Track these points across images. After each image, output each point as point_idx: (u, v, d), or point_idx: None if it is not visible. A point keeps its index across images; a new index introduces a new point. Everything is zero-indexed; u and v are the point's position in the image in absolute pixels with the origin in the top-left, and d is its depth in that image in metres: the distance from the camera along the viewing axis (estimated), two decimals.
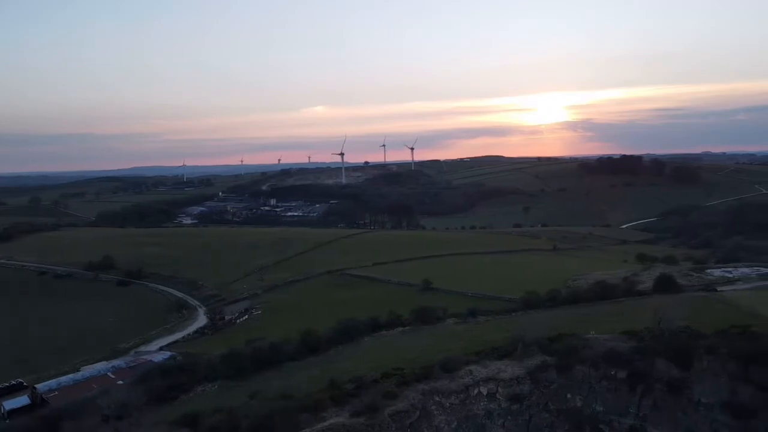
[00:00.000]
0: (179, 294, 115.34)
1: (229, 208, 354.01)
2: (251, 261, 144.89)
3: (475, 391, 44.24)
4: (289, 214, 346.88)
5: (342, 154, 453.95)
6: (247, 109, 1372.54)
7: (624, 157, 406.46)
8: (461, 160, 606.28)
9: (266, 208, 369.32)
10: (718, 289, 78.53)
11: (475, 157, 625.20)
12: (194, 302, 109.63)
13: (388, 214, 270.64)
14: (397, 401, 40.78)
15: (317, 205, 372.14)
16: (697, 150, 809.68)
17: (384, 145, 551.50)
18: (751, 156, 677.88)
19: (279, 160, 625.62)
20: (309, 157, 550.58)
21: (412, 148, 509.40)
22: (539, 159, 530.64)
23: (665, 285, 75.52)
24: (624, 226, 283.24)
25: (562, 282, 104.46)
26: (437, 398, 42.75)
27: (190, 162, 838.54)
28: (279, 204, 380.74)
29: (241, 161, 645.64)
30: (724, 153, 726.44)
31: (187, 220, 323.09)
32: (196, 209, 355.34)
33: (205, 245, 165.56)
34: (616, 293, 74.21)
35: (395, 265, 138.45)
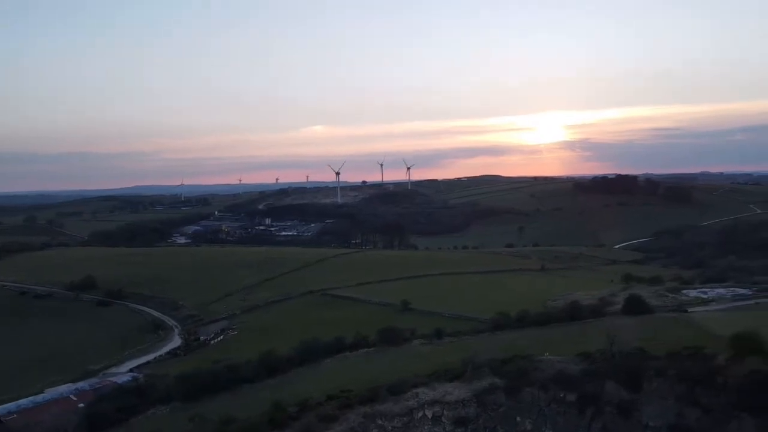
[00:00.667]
0: (158, 314, 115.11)
1: (223, 228, 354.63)
2: (236, 281, 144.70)
3: (420, 414, 43.94)
4: (284, 233, 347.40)
5: (338, 174, 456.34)
6: (247, 128, 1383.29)
7: (618, 177, 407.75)
8: (458, 179, 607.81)
9: (261, 227, 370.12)
10: (689, 310, 78.13)
11: (472, 177, 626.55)
12: (172, 323, 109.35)
13: (380, 233, 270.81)
14: (336, 424, 40.54)
15: (312, 225, 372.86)
16: (695, 170, 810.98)
17: (381, 165, 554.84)
18: (748, 176, 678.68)
19: (277, 179, 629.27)
20: (307, 177, 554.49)
21: (408, 168, 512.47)
22: (535, 179, 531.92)
23: (634, 306, 75.11)
24: (617, 246, 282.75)
25: (542, 302, 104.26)
26: (379, 421, 42.45)
27: (190, 181, 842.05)
28: (274, 223, 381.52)
29: (240, 180, 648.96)
30: (722, 173, 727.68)
31: (181, 240, 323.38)
32: (191, 228, 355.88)
33: (191, 265, 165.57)
34: (584, 314, 73.89)
35: (379, 285, 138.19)
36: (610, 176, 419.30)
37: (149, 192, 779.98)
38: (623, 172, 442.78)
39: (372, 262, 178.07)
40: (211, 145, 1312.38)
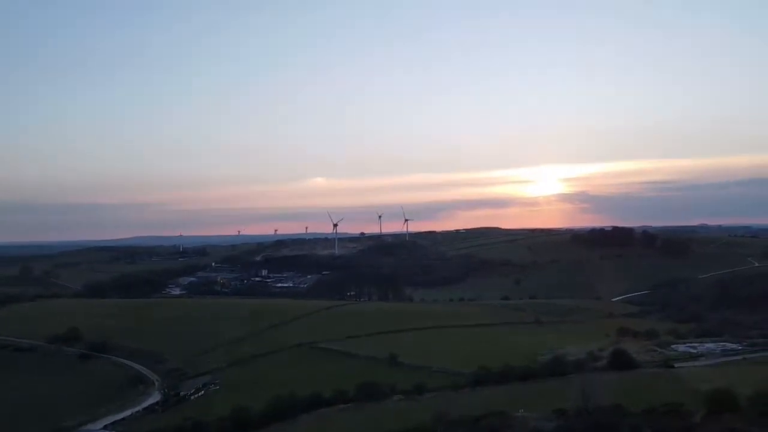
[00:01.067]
0: (141, 368, 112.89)
1: (219, 279, 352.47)
2: (224, 333, 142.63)
3: None
4: (279, 285, 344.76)
5: (336, 225, 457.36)
6: (249, 180, 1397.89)
7: (615, 229, 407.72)
8: (457, 231, 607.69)
9: (257, 278, 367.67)
10: (676, 365, 76.95)
11: (471, 229, 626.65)
12: (154, 377, 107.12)
13: (375, 285, 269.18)
14: None
15: (309, 276, 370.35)
16: (693, 222, 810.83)
17: (380, 217, 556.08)
18: (746, 228, 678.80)
19: (275, 230, 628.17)
20: (306, 228, 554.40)
21: (406, 220, 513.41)
22: (533, 231, 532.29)
23: (620, 361, 74.06)
24: (615, 299, 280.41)
25: (532, 356, 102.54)
26: None
27: (191, 232, 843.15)
28: (270, 275, 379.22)
29: (239, 232, 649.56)
30: (720, 226, 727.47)
31: (176, 291, 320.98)
32: (187, 280, 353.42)
33: (181, 317, 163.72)
34: (569, 369, 72.73)
35: (369, 339, 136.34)
36: (607, 228, 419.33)
37: (151, 243, 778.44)
38: (621, 224, 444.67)
39: (364, 315, 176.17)
40: (213, 197, 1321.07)
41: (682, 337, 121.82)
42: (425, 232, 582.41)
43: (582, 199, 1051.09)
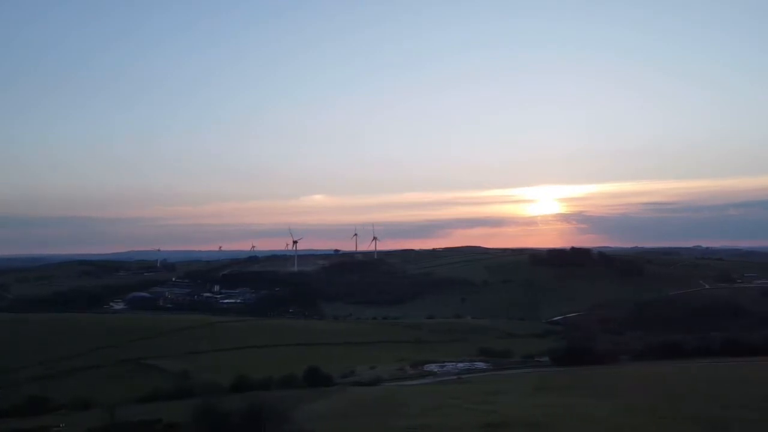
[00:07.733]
0: None
1: (167, 294, 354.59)
2: (73, 348, 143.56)
3: None
4: (226, 301, 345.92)
5: (296, 242, 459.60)
6: (244, 196, 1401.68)
7: (573, 249, 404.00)
8: (434, 250, 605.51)
9: (207, 294, 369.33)
10: (386, 384, 75.51)
11: (450, 248, 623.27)
12: None
13: (293, 302, 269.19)
14: None
15: (261, 293, 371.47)
16: (688, 243, 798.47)
17: (356, 235, 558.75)
18: (737, 250, 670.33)
19: (253, 246, 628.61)
20: (287, 245, 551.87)
21: (374, 238, 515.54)
22: (504, 250, 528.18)
23: (313, 378, 73.14)
24: (554, 319, 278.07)
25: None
26: None
27: (181, 247, 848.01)
28: (222, 291, 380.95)
29: (220, 248, 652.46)
30: (709, 247, 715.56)
31: (120, 306, 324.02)
32: (136, 295, 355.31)
33: (50, 332, 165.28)
34: (255, 386, 71.93)
35: (208, 355, 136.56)
36: (566, 249, 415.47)
37: (140, 257, 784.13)
38: (619, 245, 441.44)
39: (242, 331, 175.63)
40: (205, 213, 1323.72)
41: (532, 357, 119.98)
42: (400, 251, 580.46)
43: (580, 220, 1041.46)
